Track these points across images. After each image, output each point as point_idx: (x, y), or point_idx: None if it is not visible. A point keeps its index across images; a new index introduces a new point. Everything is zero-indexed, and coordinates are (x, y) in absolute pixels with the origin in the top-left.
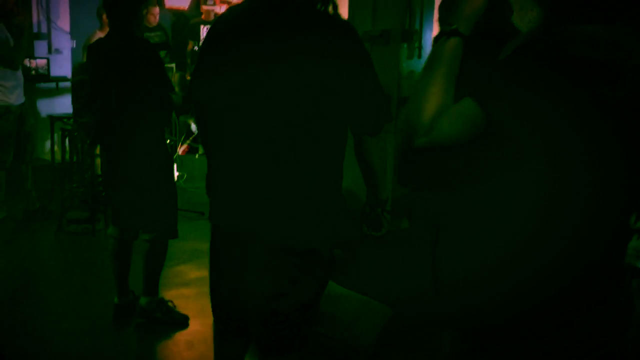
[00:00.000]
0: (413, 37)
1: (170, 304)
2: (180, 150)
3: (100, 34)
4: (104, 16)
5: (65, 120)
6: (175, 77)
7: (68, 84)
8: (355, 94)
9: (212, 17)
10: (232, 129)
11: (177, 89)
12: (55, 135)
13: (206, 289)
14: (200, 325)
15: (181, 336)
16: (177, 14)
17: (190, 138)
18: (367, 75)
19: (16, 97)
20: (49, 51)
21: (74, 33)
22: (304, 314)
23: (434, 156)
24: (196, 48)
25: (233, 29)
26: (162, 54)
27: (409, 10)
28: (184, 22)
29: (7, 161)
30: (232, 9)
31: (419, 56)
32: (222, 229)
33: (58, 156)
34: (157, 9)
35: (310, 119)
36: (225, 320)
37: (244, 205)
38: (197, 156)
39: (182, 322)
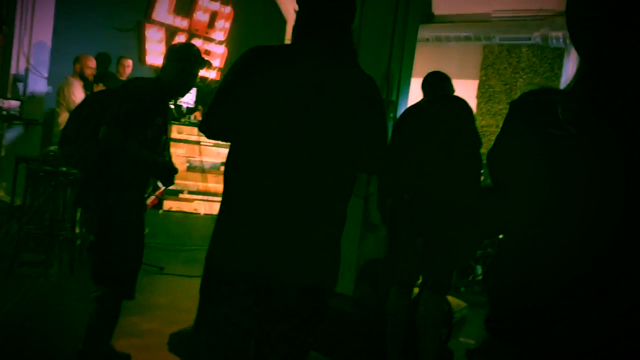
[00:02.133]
0: (389, 107)
1: None
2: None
3: (73, 80)
4: (77, 65)
5: (30, 162)
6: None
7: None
8: (371, 137)
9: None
10: (268, 165)
11: None
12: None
13: (158, 341)
14: None
15: None
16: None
17: (156, 192)
18: (382, 123)
19: None
20: (23, 94)
21: (51, 79)
22: (306, 354)
23: None
24: (173, 106)
25: (278, 64)
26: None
27: (387, 81)
28: None
29: None
30: (276, 47)
31: None
32: (237, 274)
33: (19, 199)
34: (129, 61)
35: (338, 163)
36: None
37: (270, 250)
38: (160, 211)
39: None
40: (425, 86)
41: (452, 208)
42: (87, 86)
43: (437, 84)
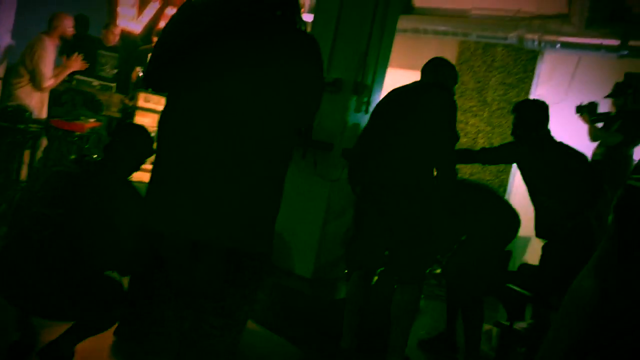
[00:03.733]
0: (364, 90)
1: None
2: None
3: (47, 41)
4: (55, 24)
5: None
6: (114, 99)
7: None
8: (300, 90)
9: None
10: (193, 126)
11: (115, 109)
12: None
13: None
14: (90, 343)
15: None
16: (125, 37)
17: None
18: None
19: None
20: None
21: (16, 32)
22: (241, 322)
23: None
24: (141, 74)
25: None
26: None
27: (363, 64)
28: (132, 46)
29: None
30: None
31: (366, 111)
32: (164, 234)
33: None
34: (118, 29)
35: (265, 120)
36: (155, 332)
37: (196, 210)
38: None
39: None
40: (422, 71)
41: (413, 198)
42: (66, 48)
43: (431, 70)
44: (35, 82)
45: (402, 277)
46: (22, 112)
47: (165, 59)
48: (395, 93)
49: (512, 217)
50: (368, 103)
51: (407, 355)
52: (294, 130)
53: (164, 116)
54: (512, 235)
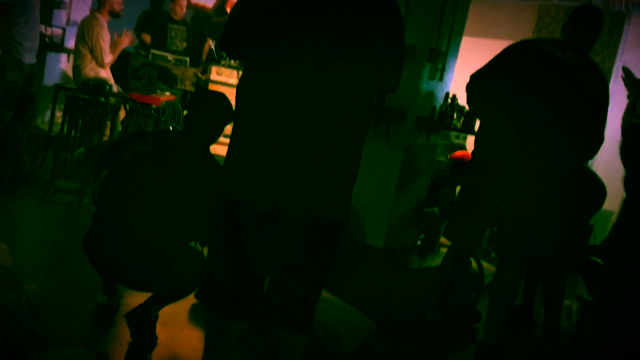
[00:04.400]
0: (438, 57)
1: None
2: None
3: (99, 16)
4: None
5: (69, 93)
6: (188, 72)
7: None
8: (386, 55)
9: None
10: (275, 97)
11: (189, 82)
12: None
13: None
14: (171, 307)
15: None
16: (198, 10)
17: None
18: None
19: (29, 57)
20: (67, 22)
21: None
22: (318, 292)
23: None
24: (213, 47)
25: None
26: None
27: (438, 31)
28: (204, 20)
29: (5, 119)
30: None
31: (441, 78)
32: (242, 204)
33: (57, 127)
34: (185, 1)
35: (350, 88)
36: (232, 298)
37: (275, 178)
38: None
39: None
40: (574, 27)
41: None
42: (142, 23)
43: (590, 29)
44: (98, 58)
45: (504, 255)
46: (103, 85)
47: (244, 24)
48: (551, 65)
49: (598, 187)
50: (443, 70)
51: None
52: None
53: (243, 87)
54: (598, 206)
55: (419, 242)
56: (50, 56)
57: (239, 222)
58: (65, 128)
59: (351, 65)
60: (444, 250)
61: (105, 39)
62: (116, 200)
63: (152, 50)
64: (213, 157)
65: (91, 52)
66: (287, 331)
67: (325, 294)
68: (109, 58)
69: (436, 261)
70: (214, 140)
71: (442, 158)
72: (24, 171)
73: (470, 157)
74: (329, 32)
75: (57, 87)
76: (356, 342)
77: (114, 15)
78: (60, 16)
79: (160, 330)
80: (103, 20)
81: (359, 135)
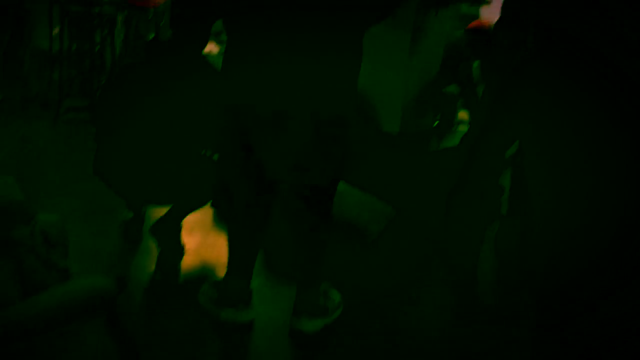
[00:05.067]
0: None
1: None
2: None
3: None
4: None
5: (66, 5)
6: None
7: None
8: None
9: None
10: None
11: None
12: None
13: None
14: (195, 214)
15: None
16: None
17: None
18: None
19: None
20: None
21: None
22: (334, 187)
23: None
24: None
25: None
26: None
27: None
28: None
29: (4, 41)
30: None
31: None
32: (246, 108)
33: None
34: None
35: None
36: (246, 205)
37: (276, 79)
38: None
39: None
40: None
41: None
42: None
43: None
44: None
45: None
46: None
47: None
48: None
49: None
50: None
51: None
52: None
53: None
54: None
55: (436, 124)
56: None
57: (245, 127)
58: (65, 44)
59: None
60: (463, 128)
61: None
62: (114, 120)
63: None
64: (207, 61)
65: None
66: (308, 223)
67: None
68: None
69: (454, 141)
70: (205, 42)
71: (457, 33)
72: (32, 93)
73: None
74: None
75: (51, 2)
76: (379, 229)
77: None
78: None
79: (186, 238)
80: None
81: (357, 25)
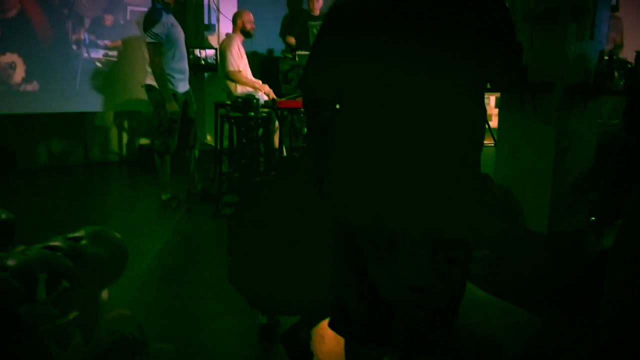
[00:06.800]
0: (584, 14)
1: None
2: None
3: (235, 37)
4: (238, 21)
5: (226, 109)
6: None
7: None
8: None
9: None
10: (378, 115)
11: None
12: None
13: None
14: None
15: None
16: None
17: None
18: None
19: (182, 86)
20: (218, 42)
21: None
22: (453, 310)
23: None
24: None
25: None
26: None
27: None
28: None
29: (172, 146)
30: None
31: (591, 37)
32: (359, 230)
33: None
34: None
35: (457, 95)
36: (363, 326)
37: (389, 200)
38: None
39: None
40: None
41: None
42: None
43: None
44: (228, 72)
45: None
46: (251, 101)
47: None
48: None
49: None
50: (592, 27)
51: None
52: (501, 87)
53: (340, 111)
54: None
55: (592, 219)
56: (210, 75)
57: (359, 249)
58: (226, 143)
59: (448, 63)
60: None
61: (234, 54)
62: (245, 233)
63: (298, 52)
64: None
65: (225, 69)
66: (425, 356)
67: (479, 293)
68: (234, 68)
69: None
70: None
71: (615, 121)
72: (197, 189)
73: None
74: (419, 35)
75: (216, 105)
76: (520, 347)
77: (245, 34)
78: (211, 38)
79: (317, 346)
80: (237, 38)
81: (475, 142)
